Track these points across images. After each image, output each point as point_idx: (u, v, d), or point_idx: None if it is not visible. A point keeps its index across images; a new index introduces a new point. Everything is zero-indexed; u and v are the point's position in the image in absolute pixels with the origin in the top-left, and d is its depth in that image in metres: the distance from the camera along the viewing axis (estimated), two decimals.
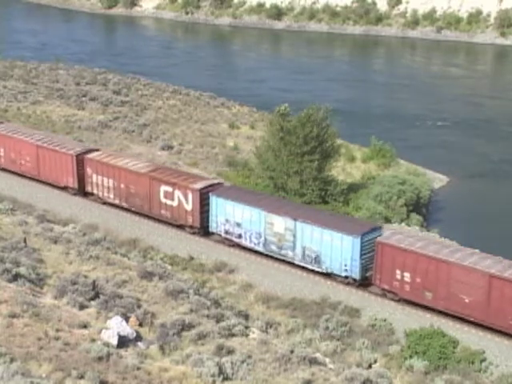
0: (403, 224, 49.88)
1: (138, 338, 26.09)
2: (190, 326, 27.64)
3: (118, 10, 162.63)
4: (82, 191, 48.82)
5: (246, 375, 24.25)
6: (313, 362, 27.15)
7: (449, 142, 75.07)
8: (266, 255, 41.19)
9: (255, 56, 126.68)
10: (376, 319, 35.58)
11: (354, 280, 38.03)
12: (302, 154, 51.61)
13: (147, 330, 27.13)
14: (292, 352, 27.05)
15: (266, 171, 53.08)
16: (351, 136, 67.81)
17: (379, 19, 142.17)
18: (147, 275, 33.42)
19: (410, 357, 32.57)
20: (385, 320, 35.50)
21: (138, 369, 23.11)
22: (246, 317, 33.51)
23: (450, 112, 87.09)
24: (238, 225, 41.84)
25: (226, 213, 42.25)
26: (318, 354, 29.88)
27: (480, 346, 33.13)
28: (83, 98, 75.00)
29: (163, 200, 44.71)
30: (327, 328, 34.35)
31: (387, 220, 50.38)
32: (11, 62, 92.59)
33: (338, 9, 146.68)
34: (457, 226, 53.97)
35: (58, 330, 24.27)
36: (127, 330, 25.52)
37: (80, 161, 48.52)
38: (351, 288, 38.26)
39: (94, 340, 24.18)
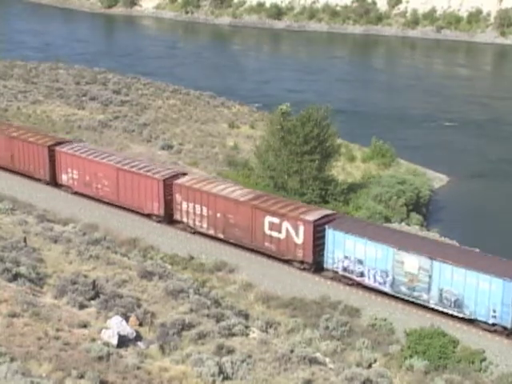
0: (403, 223, 49.89)
1: (138, 337, 26.08)
2: (190, 326, 27.63)
3: (118, 10, 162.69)
4: (168, 219, 44.77)
5: (246, 375, 24.25)
6: (313, 361, 27.14)
7: (449, 141, 75.08)
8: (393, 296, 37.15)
9: (259, 56, 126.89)
10: (376, 319, 35.56)
11: (504, 328, 33.74)
12: (302, 154, 51.64)
13: (147, 330, 27.12)
14: (292, 352, 27.04)
15: (266, 171, 53.09)
16: (352, 135, 67.84)
17: (379, 19, 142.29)
18: (147, 275, 33.40)
19: (410, 356, 32.56)
20: (385, 320, 35.49)
21: (138, 368, 23.11)
22: (246, 316, 33.50)
23: (451, 112, 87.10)
24: (360, 262, 37.69)
25: (345, 248, 38.06)
26: (318, 354, 29.86)
27: (480, 346, 33.12)
28: (83, 98, 74.99)
29: (268, 232, 40.47)
30: (327, 328, 34.34)
31: (387, 219, 50.40)
32: (11, 61, 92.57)
33: (338, 8, 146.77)
34: (457, 226, 54.00)
35: (58, 330, 24.26)
36: (127, 329, 25.52)
37: (168, 186, 44.39)
38: (351, 288, 38.23)
39: (94, 340, 24.17)
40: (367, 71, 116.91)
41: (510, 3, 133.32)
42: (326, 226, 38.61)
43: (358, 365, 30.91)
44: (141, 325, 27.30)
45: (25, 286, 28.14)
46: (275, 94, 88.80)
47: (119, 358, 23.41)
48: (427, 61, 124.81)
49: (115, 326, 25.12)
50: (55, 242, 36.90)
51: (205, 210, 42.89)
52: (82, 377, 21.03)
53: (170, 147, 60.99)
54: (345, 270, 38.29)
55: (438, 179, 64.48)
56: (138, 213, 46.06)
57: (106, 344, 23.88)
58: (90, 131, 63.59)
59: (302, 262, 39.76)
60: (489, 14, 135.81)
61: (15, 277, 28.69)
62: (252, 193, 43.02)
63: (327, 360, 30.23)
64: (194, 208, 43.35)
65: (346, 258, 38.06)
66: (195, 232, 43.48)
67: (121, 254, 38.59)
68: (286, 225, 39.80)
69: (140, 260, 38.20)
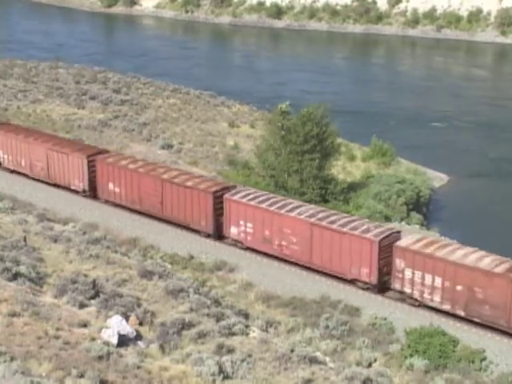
0: (403, 223, 49.88)
1: (138, 337, 26.06)
2: (190, 325, 27.62)
3: (118, 9, 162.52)
4: (381, 287, 37.72)
5: (246, 374, 24.24)
6: (313, 361, 27.13)
7: (449, 141, 75.05)
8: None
9: (266, 56, 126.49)
10: (376, 318, 35.56)
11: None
12: (303, 153, 51.65)
13: (147, 329, 27.10)
14: (292, 351, 27.03)
15: (266, 170, 53.10)
16: (352, 135, 67.76)
17: (379, 18, 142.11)
18: (147, 274, 33.38)
19: (410, 356, 32.55)
20: (385, 319, 35.49)
21: (138, 368, 23.10)
22: (246, 316, 33.49)
23: (452, 111, 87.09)
24: None
25: None
26: (318, 353, 29.85)
27: (480, 345, 33.12)
28: (83, 97, 74.92)
29: None
30: (327, 327, 34.33)
31: (387, 219, 50.39)
32: (11, 60, 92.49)
33: (338, 8, 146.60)
34: (457, 225, 54.02)
35: (58, 329, 24.24)
36: (127, 329, 25.50)
37: (385, 249, 37.04)
38: (351, 287, 38.22)
39: (94, 339, 24.17)
40: (368, 71, 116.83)
41: (511, 2, 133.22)
42: None
43: (358, 364, 30.91)
44: (141, 324, 27.29)
45: (25, 286, 28.12)
46: (286, 95, 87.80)
47: (119, 357, 23.40)
48: (428, 60, 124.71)
49: (115, 326, 25.10)
50: (55, 241, 36.88)
51: (439, 280, 35.38)
52: (82, 376, 21.02)
53: (169, 146, 60.97)
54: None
55: (439, 178, 64.51)
56: (334, 276, 38.96)
57: (106, 343, 23.87)
58: (89, 130, 63.58)
59: None
60: (489, 14, 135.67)
61: (15, 276, 28.67)
62: (507, 262, 35.10)
63: (327, 359, 30.22)
64: (423, 277, 35.90)
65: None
66: (420, 305, 36.39)
67: (121, 254, 38.58)
68: None
69: (140, 259, 38.19)
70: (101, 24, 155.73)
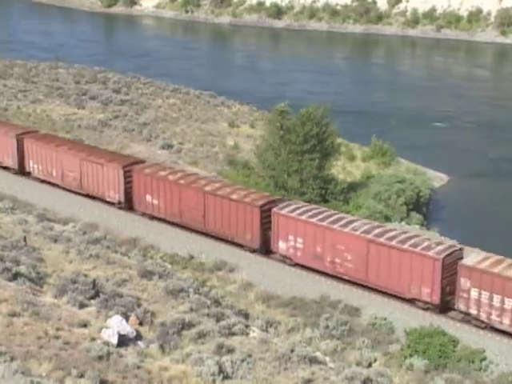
0: (403, 223, 49.88)
1: (138, 337, 26.07)
2: (190, 325, 27.62)
3: (118, 9, 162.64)
4: (443, 306, 35.63)
5: (246, 374, 24.24)
6: (313, 360, 27.13)
7: (450, 141, 75.10)
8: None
9: (268, 56, 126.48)
10: (376, 318, 35.55)
11: None
12: (302, 153, 51.66)
13: (147, 329, 27.10)
14: (292, 351, 27.03)
15: (266, 170, 53.10)
16: (352, 135, 67.77)
17: (379, 18, 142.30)
18: (147, 274, 33.39)
19: (410, 356, 32.55)
20: (385, 319, 35.48)
21: (138, 368, 23.10)
22: (246, 316, 33.49)
23: (453, 111, 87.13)
24: None
25: None
26: (318, 353, 29.85)
27: (480, 345, 33.11)
28: (83, 97, 74.97)
29: None
30: (327, 327, 34.33)
31: (387, 219, 50.40)
32: (11, 60, 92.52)
33: (338, 8, 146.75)
34: (457, 225, 54.02)
35: (58, 329, 24.25)
36: (127, 329, 25.50)
37: (449, 267, 35.05)
38: (351, 287, 38.22)
39: (94, 339, 24.17)
40: (367, 71, 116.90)
41: (510, 2, 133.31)
42: None
43: (358, 364, 30.91)
44: (141, 324, 27.29)
45: (25, 286, 28.12)
46: (287, 95, 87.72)
47: (119, 357, 23.40)
48: (427, 60, 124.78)
49: (115, 326, 25.10)
50: (55, 241, 36.89)
51: (508, 302, 33.43)
52: (82, 376, 21.02)
53: (169, 146, 60.99)
54: None
55: (439, 178, 64.53)
56: (391, 295, 37.04)
57: (106, 343, 23.87)
58: (89, 130, 63.60)
59: None
60: (489, 14, 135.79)
61: (15, 276, 28.68)
62: None
63: (327, 359, 30.23)
64: (491, 298, 33.88)
65: None
66: (486, 327, 34.41)
67: (121, 254, 38.58)
68: None
69: (140, 259, 38.19)
70: (101, 24, 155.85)
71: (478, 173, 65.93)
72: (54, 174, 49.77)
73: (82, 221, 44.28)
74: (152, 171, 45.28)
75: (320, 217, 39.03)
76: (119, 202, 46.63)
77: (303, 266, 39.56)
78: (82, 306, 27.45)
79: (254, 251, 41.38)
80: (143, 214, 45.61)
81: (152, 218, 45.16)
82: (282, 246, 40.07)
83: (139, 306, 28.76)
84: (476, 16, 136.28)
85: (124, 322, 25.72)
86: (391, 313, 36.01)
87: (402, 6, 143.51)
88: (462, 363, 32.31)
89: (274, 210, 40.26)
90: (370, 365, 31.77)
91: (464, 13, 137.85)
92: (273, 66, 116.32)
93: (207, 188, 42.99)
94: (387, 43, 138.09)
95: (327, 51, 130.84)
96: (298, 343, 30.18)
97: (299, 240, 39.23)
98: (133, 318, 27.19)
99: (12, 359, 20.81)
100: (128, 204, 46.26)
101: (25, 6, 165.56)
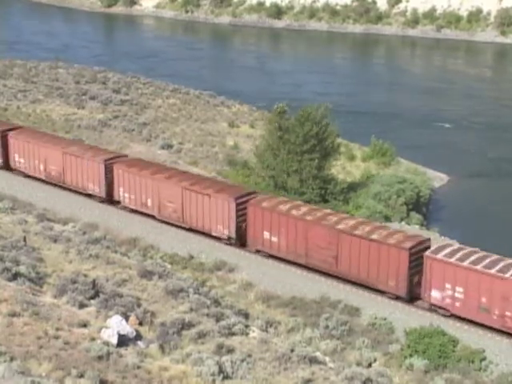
0: (403, 223, 49.88)
1: (138, 337, 26.06)
2: (190, 325, 27.61)
3: (118, 9, 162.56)
4: None
5: (246, 374, 24.23)
6: (313, 360, 27.12)
7: (449, 141, 75.08)
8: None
9: (268, 56, 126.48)
10: (376, 318, 35.55)
11: None
12: (302, 153, 51.64)
13: (147, 329, 27.10)
14: (292, 351, 27.03)
15: (265, 170, 53.08)
16: (352, 134, 67.77)
17: (379, 18, 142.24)
18: (147, 274, 33.38)
19: (410, 356, 32.55)
20: (385, 319, 35.48)
21: (138, 368, 23.10)
22: (246, 316, 33.48)
23: (453, 111, 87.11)
24: None
25: None
26: (317, 353, 29.85)
27: (480, 345, 33.11)
28: (83, 97, 74.93)
29: None
30: (327, 327, 34.33)
31: (387, 219, 50.39)
32: (11, 60, 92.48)
33: (338, 7, 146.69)
34: (457, 225, 54.03)
35: (57, 329, 24.24)
36: (127, 329, 25.50)
37: None
38: (351, 287, 38.21)
39: (93, 339, 24.16)
40: (367, 71, 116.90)
41: (510, 2, 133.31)
42: None
43: (358, 364, 30.91)
44: (141, 324, 27.29)
45: (24, 286, 28.12)
46: (287, 94, 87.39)
47: (119, 357, 23.40)
48: (427, 60, 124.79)
49: (115, 326, 25.10)
50: (55, 241, 36.88)
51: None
52: (81, 376, 21.02)
53: (169, 146, 60.98)
54: None
55: (439, 178, 64.53)
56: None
57: (106, 343, 23.87)
58: (89, 130, 63.58)
59: None
60: (489, 14, 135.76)
61: (15, 276, 28.67)
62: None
63: (327, 359, 30.22)
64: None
65: None
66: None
67: (121, 254, 38.57)
68: None
69: (140, 259, 38.18)
70: (101, 24, 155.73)
71: (478, 173, 65.92)
72: (149, 204, 45.43)
73: (81, 221, 44.25)
74: (270, 205, 40.70)
75: (483, 263, 34.39)
76: (229, 238, 42.31)
77: (462, 319, 35.26)
78: (81, 306, 27.44)
79: (397, 298, 37.01)
80: (258, 252, 41.37)
81: (269, 256, 40.96)
82: (435, 295, 35.42)
83: (139, 305, 28.76)
84: (476, 16, 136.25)
85: (124, 322, 25.72)
86: (391, 313, 36.00)
87: (401, 5, 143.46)
88: (462, 363, 32.31)
89: (427, 254, 35.68)
90: (369, 365, 31.78)
91: (464, 13, 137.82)
92: (273, 66, 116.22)
93: (340, 226, 38.45)
94: (387, 43, 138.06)
95: (327, 51, 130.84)
96: (297, 343, 30.17)
97: (459, 289, 34.64)
98: (133, 318, 27.19)
99: (12, 359, 20.81)
100: (240, 240, 42.22)
101: (25, 6, 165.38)
